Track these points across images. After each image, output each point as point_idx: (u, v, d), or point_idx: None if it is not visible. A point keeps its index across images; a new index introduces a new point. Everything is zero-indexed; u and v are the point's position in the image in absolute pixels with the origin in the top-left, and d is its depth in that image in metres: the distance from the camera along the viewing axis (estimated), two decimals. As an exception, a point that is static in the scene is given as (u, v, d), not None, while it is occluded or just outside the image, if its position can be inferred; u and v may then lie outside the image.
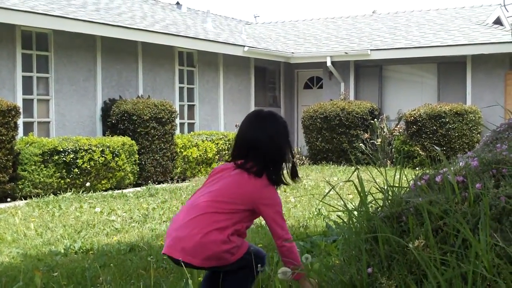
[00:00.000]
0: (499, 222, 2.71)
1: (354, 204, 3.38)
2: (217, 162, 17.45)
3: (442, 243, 2.74)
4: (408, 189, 3.31)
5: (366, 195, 3.27)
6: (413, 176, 3.42)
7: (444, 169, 3.18)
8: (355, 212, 3.28)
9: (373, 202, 3.31)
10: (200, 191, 4.24)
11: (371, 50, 20.26)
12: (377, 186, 3.31)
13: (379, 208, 3.22)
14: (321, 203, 11.15)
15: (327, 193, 3.42)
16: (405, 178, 3.38)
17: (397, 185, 3.25)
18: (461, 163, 3.30)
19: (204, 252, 3.94)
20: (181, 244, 3.98)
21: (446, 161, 3.06)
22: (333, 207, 3.53)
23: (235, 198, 4.05)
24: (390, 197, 3.21)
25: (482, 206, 2.72)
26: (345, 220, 3.44)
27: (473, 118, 17.96)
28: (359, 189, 3.24)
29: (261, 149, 4.13)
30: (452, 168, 3.10)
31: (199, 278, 5.26)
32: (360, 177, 3.27)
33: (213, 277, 4.29)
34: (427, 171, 3.29)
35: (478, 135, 17.81)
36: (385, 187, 3.24)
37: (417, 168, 16.17)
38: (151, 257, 5.74)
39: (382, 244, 2.90)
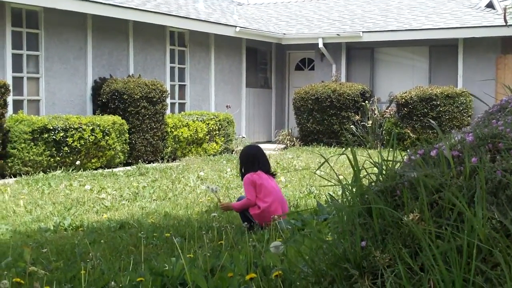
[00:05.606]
0: (495, 196, 2.68)
1: (347, 181, 3.35)
2: (207, 142, 17.40)
3: (437, 217, 2.72)
4: (402, 164, 3.29)
5: (359, 169, 3.24)
6: (405, 156, 3.40)
7: (439, 144, 3.15)
8: (349, 187, 3.25)
9: (367, 177, 3.28)
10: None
11: (363, 32, 20.20)
12: (371, 161, 3.28)
13: (373, 183, 3.19)
14: (311, 182, 11.14)
15: (322, 164, 3.38)
16: (399, 157, 3.35)
17: (391, 159, 3.22)
18: (456, 138, 3.28)
19: None
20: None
21: (442, 135, 3.03)
22: (327, 180, 3.50)
23: None
24: (384, 172, 3.18)
25: (478, 180, 2.69)
26: (337, 197, 3.42)
27: (464, 101, 17.97)
28: (353, 163, 3.21)
29: None
30: (447, 143, 3.07)
31: (189, 255, 5.24)
32: (353, 150, 3.24)
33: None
34: (423, 145, 3.26)
35: (469, 118, 17.83)
36: (379, 162, 3.21)
37: (407, 151, 16.10)
38: (142, 233, 5.71)
39: (376, 217, 2.88)
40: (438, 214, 2.74)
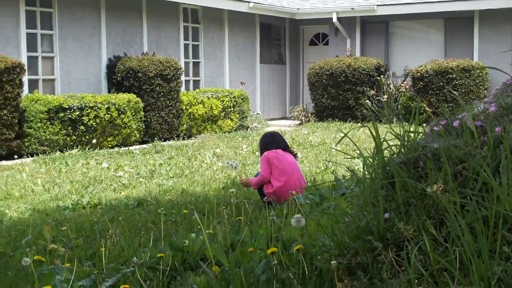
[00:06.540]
0: (520, 166, 2.65)
1: (368, 152, 3.32)
2: (222, 119, 17.38)
3: (461, 188, 2.69)
4: (424, 135, 3.25)
5: (381, 142, 3.20)
6: (426, 128, 3.36)
7: (462, 114, 3.11)
8: (370, 159, 3.22)
9: (387, 149, 3.24)
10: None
11: (377, 5, 20.04)
12: (392, 133, 3.25)
13: (395, 155, 3.16)
14: (328, 157, 11.11)
15: (342, 138, 3.35)
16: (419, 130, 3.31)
17: (412, 130, 3.19)
18: (478, 108, 3.23)
19: None
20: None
21: (464, 105, 2.99)
22: (346, 153, 3.47)
23: None
24: (405, 143, 3.15)
25: (503, 149, 2.66)
26: (357, 171, 3.39)
27: (480, 74, 17.82)
28: (374, 135, 3.17)
29: None
30: (470, 113, 3.03)
31: (208, 231, 5.24)
32: (375, 123, 3.21)
33: None
34: (445, 116, 3.22)
35: (485, 91, 17.69)
36: (401, 133, 3.18)
37: (423, 125, 16.02)
38: (161, 209, 5.72)
39: (399, 189, 2.85)
40: (462, 185, 2.71)
